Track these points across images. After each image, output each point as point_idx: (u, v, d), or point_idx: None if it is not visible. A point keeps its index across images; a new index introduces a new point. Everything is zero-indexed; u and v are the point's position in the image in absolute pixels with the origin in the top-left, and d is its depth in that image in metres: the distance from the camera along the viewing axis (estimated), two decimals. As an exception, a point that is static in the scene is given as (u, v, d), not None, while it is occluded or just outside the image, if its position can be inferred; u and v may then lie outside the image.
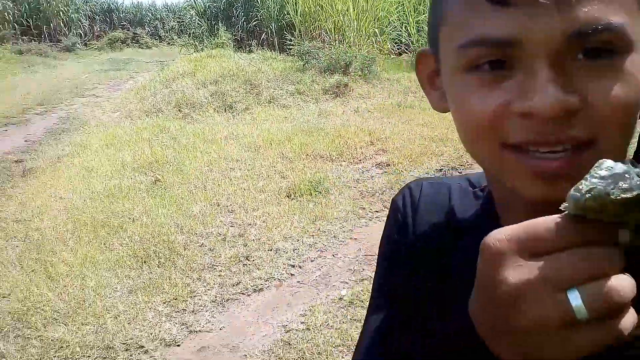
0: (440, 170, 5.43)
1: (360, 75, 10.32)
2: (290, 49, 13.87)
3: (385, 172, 5.54)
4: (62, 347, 2.93)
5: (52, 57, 21.01)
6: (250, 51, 15.38)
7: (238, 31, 17.23)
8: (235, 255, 3.94)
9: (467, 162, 5.59)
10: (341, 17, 12.50)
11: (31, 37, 23.90)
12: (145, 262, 3.84)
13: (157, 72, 14.24)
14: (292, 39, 13.24)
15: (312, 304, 3.29)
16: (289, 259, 3.91)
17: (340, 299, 3.29)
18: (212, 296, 3.42)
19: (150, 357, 2.83)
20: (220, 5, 17.87)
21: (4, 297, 3.51)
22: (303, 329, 3.01)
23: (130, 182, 5.48)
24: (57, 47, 23.55)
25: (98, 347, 2.90)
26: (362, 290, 3.32)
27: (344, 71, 10.28)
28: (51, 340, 2.99)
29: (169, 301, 3.34)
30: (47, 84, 13.90)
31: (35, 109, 10.85)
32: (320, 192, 5.10)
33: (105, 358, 2.82)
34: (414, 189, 0.67)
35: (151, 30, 31.20)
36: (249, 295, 3.47)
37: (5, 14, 23.05)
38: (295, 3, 13.91)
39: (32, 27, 24.64)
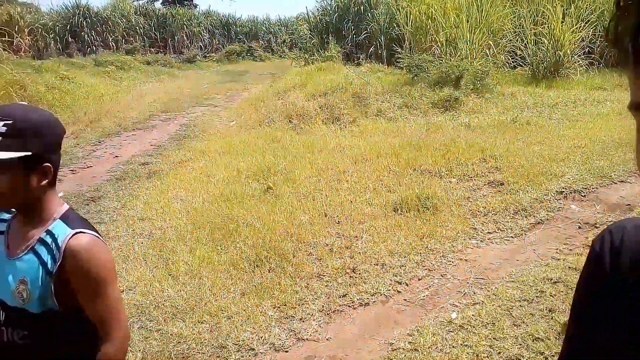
0: (561, 192, 5.08)
1: (472, 89, 10.02)
2: (399, 62, 13.84)
3: (499, 191, 5.30)
4: (179, 342, 3.12)
5: (176, 67, 22.78)
6: (358, 64, 15.55)
7: (347, 44, 17.50)
8: (342, 266, 3.97)
9: (591, 185, 5.19)
10: (454, 30, 12.22)
11: (158, 49, 26.14)
12: (257, 266, 3.99)
13: (269, 84, 14.89)
14: (401, 51, 13.16)
15: (419, 324, 3.22)
16: (396, 275, 3.86)
17: (450, 322, 3.19)
18: (320, 306, 3.47)
19: (260, 360, 2.94)
20: (331, 19, 18.26)
21: (130, 289, 3.82)
22: (410, 349, 2.95)
23: (244, 188, 5.75)
24: (180, 59, 25.49)
25: (212, 345, 3.06)
26: (474, 315, 3.19)
27: (455, 84, 10.03)
28: (170, 334, 3.20)
29: (279, 306, 3.44)
30: (170, 93, 15.07)
31: (160, 116, 11.80)
32: (428, 209, 4.99)
33: (218, 357, 2.96)
34: (614, 233, 0.62)
35: (264, 44, 32.76)
36: (355, 308, 3.48)
37: (137, 27, 25.41)
38: (407, 16, 13.84)
39: (159, 39, 26.94)
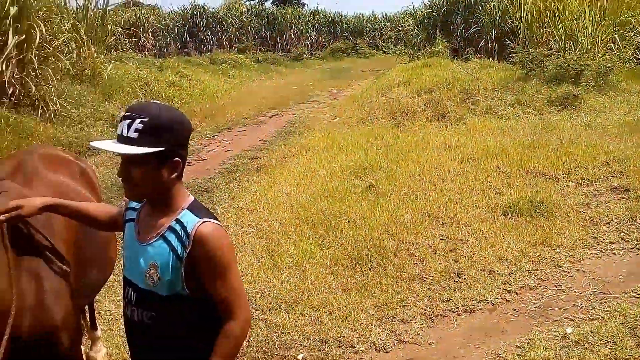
0: (701, 202, 4.52)
1: (593, 86, 9.23)
2: (511, 56, 13.10)
3: (624, 198, 4.84)
4: (282, 332, 3.21)
5: (283, 65, 23.49)
6: (467, 59, 14.97)
7: (455, 39, 16.91)
8: (445, 270, 3.85)
9: None
10: (574, 22, 11.32)
11: (267, 48, 27.09)
12: (358, 263, 3.99)
13: (373, 81, 14.84)
14: (515, 45, 12.46)
15: (529, 336, 3.02)
16: (504, 283, 3.67)
17: (565, 336, 2.96)
18: (422, 308, 3.39)
19: (360, 358, 2.93)
20: (439, 14, 17.75)
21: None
22: (519, 362, 2.79)
23: (346, 185, 5.77)
24: (287, 57, 26.25)
25: (314, 339, 3.11)
26: (592, 332, 2.94)
27: (574, 81, 9.30)
28: (274, 324, 3.30)
29: (380, 306, 3.42)
30: (278, 90, 15.58)
31: (268, 112, 12.23)
32: (542, 214, 4.68)
33: (319, 351, 3.00)
34: None
35: (369, 40, 32.69)
36: (459, 314, 3.36)
37: (249, 27, 26.51)
38: (521, 8, 13.07)
39: (268, 38, 27.90)
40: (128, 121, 1.40)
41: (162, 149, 1.40)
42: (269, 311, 3.46)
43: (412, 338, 3.09)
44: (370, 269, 3.91)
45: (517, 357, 2.83)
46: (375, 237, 4.36)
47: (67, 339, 1.80)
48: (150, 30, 22.48)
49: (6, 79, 7.87)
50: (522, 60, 10.85)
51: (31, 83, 8.28)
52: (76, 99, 9.41)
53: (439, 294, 3.56)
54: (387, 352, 2.98)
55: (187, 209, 1.49)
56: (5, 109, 7.77)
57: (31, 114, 8.21)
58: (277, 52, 26.99)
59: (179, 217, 1.48)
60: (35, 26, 8.17)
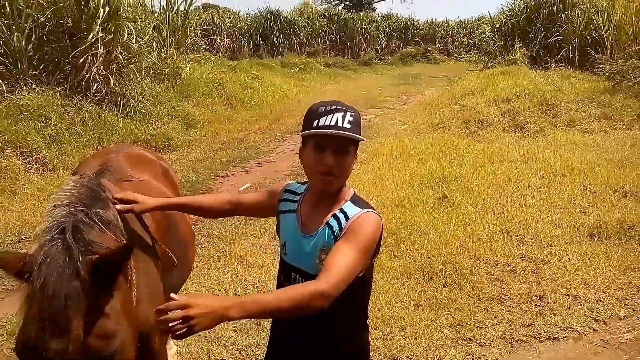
0: None
1: (691, 101, 8.54)
2: (595, 67, 12.39)
3: None
4: (353, 344, 3.11)
5: (352, 70, 23.42)
6: (546, 68, 14.32)
7: (534, 47, 16.19)
8: (526, 292, 3.63)
9: None
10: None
11: (337, 52, 27.15)
12: (431, 278, 3.84)
13: (444, 88, 14.50)
14: (601, 56, 11.76)
15: (622, 372, 2.78)
16: (591, 311, 3.41)
17: (663, 376, 2.70)
18: (501, 332, 3.20)
19: (435, 380, 2.80)
20: (518, 20, 17.08)
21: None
22: (611, 401, 2.56)
23: (418, 195, 5.61)
24: (356, 61, 26.17)
25: (385, 354, 3.00)
26: (697, 374, 2.66)
27: (669, 95, 8.65)
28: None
29: (455, 326, 3.26)
30: (346, 95, 15.52)
31: (337, 116, 12.19)
32: (633, 238, 4.35)
33: (391, 368, 2.90)
34: None
35: (441, 46, 32.05)
36: (541, 341, 3.14)
37: (320, 31, 26.69)
38: (609, 17, 12.33)
39: (338, 42, 27.96)
40: (341, 113, 1.52)
41: (364, 139, 1.57)
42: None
43: (490, 363, 2.92)
44: (444, 286, 3.75)
45: (609, 396, 2.60)
46: (450, 252, 4.19)
47: (159, 336, 1.82)
48: (225, 33, 23.13)
49: (92, 76, 8.28)
50: (609, 72, 10.23)
51: (115, 80, 8.67)
52: (155, 97, 9.77)
53: (520, 317, 3.35)
54: (463, 376, 2.83)
55: (350, 200, 1.60)
56: (89, 103, 8.19)
57: (112, 110, 8.60)
58: (347, 56, 26.98)
59: (342, 207, 1.58)
60: (123, 26, 8.56)
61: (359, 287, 1.59)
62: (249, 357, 2.99)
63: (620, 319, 3.34)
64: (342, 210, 1.57)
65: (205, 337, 3.16)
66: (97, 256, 1.37)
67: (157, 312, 1.23)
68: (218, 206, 1.88)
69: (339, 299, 1.47)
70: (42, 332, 1.24)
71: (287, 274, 1.67)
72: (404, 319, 3.33)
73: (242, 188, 6.46)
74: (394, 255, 4.27)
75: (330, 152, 1.53)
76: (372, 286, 3.70)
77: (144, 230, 1.83)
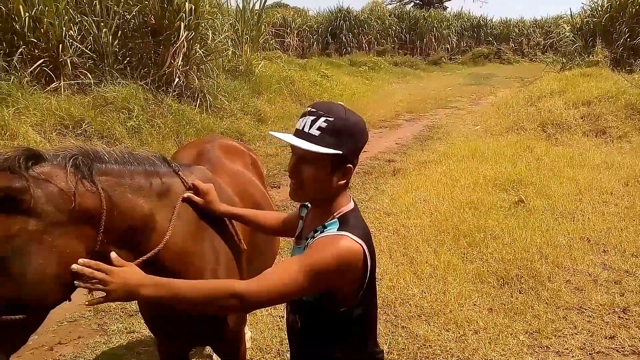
0: None
1: None
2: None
3: None
4: (424, 344, 3.09)
5: (421, 69, 23.11)
6: (630, 71, 13.50)
7: (618, 49, 15.29)
8: (609, 303, 3.46)
9: None
10: None
11: (406, 51, 26.84)
12: (506, 283, 3.74)
13: (519, 89, 13.99)
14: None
15: None
16: (682, 327, 3.20)
17: None
18: (580, 342, 3.07)
19: (510, 386, 2.73)
20: (600, 20, 16.19)
21: (377, 280, 3.95)
22: None
23: (492, 198, 5.47)
24: (425, 61, 25.77)
25: (458, 356, 2.96)
26: None
27: None
28: (415, 335, 3.19)
29: (532, 333, 3.16)
30: (415, 94, 15.33)
31: (405, 116, 12.09)
32: None
33: (465, 370, 2.85)
34: None
35: (515, 46, 30.95)
36: (625, 354, 2.99)
37: (390, 30, 26.50)
38: None
39: (407, 41, 27.63)
40: (312, 117, 1.34)
41: (341, 152, 1.34)
42: (409, 320, 3.36)
43: (570, 373, 2.82)
44: (520, 292, 3.64)
45: None
46: (526, 258, 4.06)
47: (237, 319, 1.89)
48: (295, 32, 23.45)
49: (173, 71, 8.66)
50: None
51: (194, 76, 9.03)
52: (229, 93, 10.08)
53: (601, 329, 3.20)
54: (540, 384, 2.75)
55: (338, 218, 1.42)
56: (169, 97, 8.57)
57: (190, 104, 8.96)
58: (416, 55, 26.63)
59: (326, 222, 1.42)
60: (204, 23, 8.89)
61: (354, 326, 1.46)
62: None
63: None
64: (324, 226, 1.41)
65: (278, 325, 3.24)
66: None
67: (81, 262, 1.30)
68: (271, 224, 1.82)
69: (337, 346, 1.45)
70: None
71: None
72: (477, 322, 3.27)
73: (311, 184, 6.54)
74: (466, 258, 4.20)
75: (294, 156, 1.41)
76: (444, 287, 3.68)
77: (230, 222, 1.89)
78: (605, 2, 16.50)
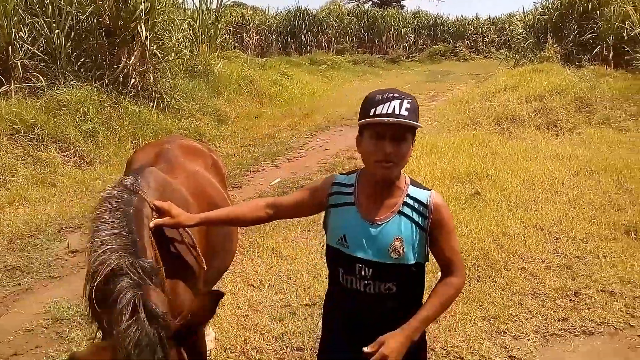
0: None
1: None
2: (631, 64, 12.10)
3: None
4: (387, 334, 3.15)
5: (380, 67, 23.34)
6: (579, 66, 14.05)
7: (568, 45, 15.88)
8: (561, 287, 3.61)
9: None
10: None
11: (365, 49, 27.08)
12: (465, 273, 3.84)
13: (474, 85, 14.36)
14: (638, 53, 11.49)
15: (661, 368, 2.76)
16: (628, 307, 3.37)
17: None
18: (535, 326, 3.20)
19: (469, 371, 2.82)
20: (551, 18, 16.78)
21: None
22: (650, 396, 2.54)
23: (449, 191, 5.60)
24: (384, 59, 26.05)
25: (419, 345, 3.03)
26: None
27: None
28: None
29: (489, 319, 3.27)
30: (375, 92, 15.48)
31: (365, 113, 12.20)
32: (672, 236, 4.26)
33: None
34: None
35: (470, 44, 31.68)
36: (576, 335, 3.13)
37: (348, 28, 26.68)
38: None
39: (366, 40, 27.89)
40: (399, 101, 1.53)
41: (422, 126, 1.59)
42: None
43: (525, 355, 2.93)
44: (477, 280, 3.76)
45: (648, 390, 2.58)
46: (483, 248, 4.19)
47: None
48: (254, 31, 23.32)
49: (128, 72, 8.50)
50: (647, 69, 10.00)
51: (150, 77, 8.88)
52: (188, 94, 9.96)
53: (554, 312, 3.34)
54: (497, 368, 2.85)
55: (410, 184, 1.66)
56: (125, 99, 8.40)
57: (147, 105, 8.81)
58: (375, 54, 26.89)
59: (408, 192, 1.63)
60: (160, 23, 8.76)
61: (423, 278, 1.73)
62: (284, 345, 3.06)
63: (659, 316, 3.29)
64: (410, 197, 1.62)
65: (242, 325, 3.24)
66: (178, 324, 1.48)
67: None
68: (252, 216, 1.82)
69: (413, 283, 1.68)
70: None
71: (351, 267, 1.65)
72: (437, 311, 3.35)
73: (273, 183, 6.55)
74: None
75: (388, 140, 1.54)
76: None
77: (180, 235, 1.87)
78: (556, 0, 17.12)
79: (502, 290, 3.60)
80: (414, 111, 1.54)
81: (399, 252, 1.59)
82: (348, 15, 27.34)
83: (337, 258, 1.69)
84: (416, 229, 1.60)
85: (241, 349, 3.01)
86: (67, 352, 3.04)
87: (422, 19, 31.33)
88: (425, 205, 1.60)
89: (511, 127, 8.73)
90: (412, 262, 1.61)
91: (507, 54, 19.02)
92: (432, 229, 1.61)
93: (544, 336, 3.12)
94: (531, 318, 3.28)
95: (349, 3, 36.43)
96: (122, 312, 1.41)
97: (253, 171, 7.21)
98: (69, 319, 3.38)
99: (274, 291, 3.68)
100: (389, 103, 1.51)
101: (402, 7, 38.50)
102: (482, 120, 9.37)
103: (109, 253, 1.53)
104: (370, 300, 1.64)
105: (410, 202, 1.61)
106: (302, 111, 11.66)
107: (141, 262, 1.53)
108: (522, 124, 8.72)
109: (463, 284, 1.67)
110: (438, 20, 31.94)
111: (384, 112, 1.51)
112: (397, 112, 1.51)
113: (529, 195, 5.36)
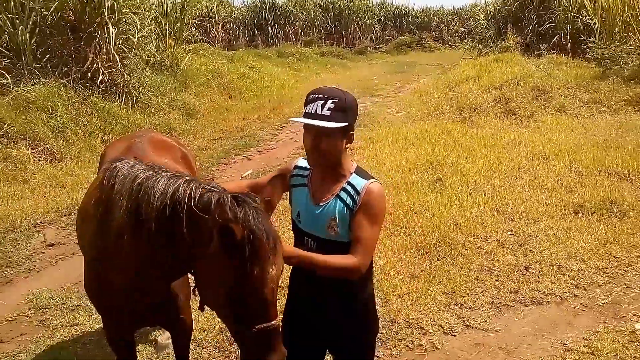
0: None
1: (676, 86, 8.82)
2: (586, 53, 12.63)
3: None
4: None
5: (348, 59, 23.56)
6: (538, 55, 14.56)
7: (527, 34, 16.40)
8: (514, 263, 3.93)
9: None
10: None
11: (332, 41, 27.25)
12: (426, 252, 4.14)
13: (439, 76, 14.72)
14: (592, 42, 12.01)
15: (597, 329, 3.09)
16: (573, 279, 3.72)
17: (633, 332, 3.01)
18: (489, 298, 3.50)
19: (429, 339, 3.09)
20: (511, 8, 17.29)
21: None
22: (586, 352, 2.87)
23: (413, 177, 5.89)
24: (351, 50, 26.29)
25: (384, 319, 3.28)
26: (663, 329, 2.97)
27: (656, 80, 8.92)
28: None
29: (448, 293, 3.56)
30: (343, 83, 15.70)
31: (333, 105, 12.40)
32: (614, 214, 4.65)
33: (390, 330, 3.19)
34: None
35: (436, 34, 32.20)
36: (526, 305, 3.45)
37: (315, 20, 26.79)
38: (598, 3, 12.55)
39: (333, 32, 28.06)
40: (322, 102, 1.71)
41: (347, 124, 1.74)
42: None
43: (480, 324, 3.22)
44: (438, 259, 4.05)
45: (583, 348, 2.90)
46: (443, 229, 4.48)
47: (185, 298, 2.13)
48: (220, 23, 23.22)
49: (96, 67, 8.49)
50: (599, 58, 10.50)
51: (118, 72, 8.89)
52: (156, 88, 9.98)
53: (507, 285, 3.66)
54: (454, 335, 3.13)
55: (355, 173, 1.84)
56: (93, 95, 8.40)
57: (116, 101, 8.82)
58: (342, 45, 27.08)
59: (349, 179, 1.82)
60: (126, 18, 8.75)
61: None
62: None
63: (599, 286, 3.64)
64: (349, 183, 1.80)
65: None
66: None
67: None
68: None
69: None
70: None
71: (301, 239, 1.90)
72: (400, 287, 3.62)
73: (245, 174, 6.72)
74: (391, 233, 4.56)
75: (311, 134, 1.76)
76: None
77: None
78: (515, -9, 17.60)
79: (460, 267, 3.90)
80: (340, 110, 1.71)
81: (334, 230, 1.79)
82: (315, 6, 27.40)
83: (294, 230, 1.97)
84: (348, 211, 1.78)
85: (219, 328, 3.21)
86: (52, 339, 3.20)
87: (388, 10, 31.65)
88: (358, 192, 1.78)
89: (472, 116, 9.09)
90: (347, 240, 1.78)
91: (471, 44, 19.46)
92: (357, 211, 1.77)
93: (497, 307, 3.42)
94: (486, 291, 3.59)
95: (316, -6, 36.45)
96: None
97: (224, 164, 7.36)
98: (52, 307, 3.52)
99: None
100: (313, 104, 1.72)
101: (369, -2, 38.76)
102: (445, 110, 9.72)
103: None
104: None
105: (348, 188, 1.79)
106: (271, 104, 11.80)
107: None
108: (483, 113, 9.09)
109: (358, 269, 1.73)
110: (404, 11, 32.32)
111: (308, 111, 1.73)
112: (318, 112, 1.70)
113: (487, 180, 5.69)
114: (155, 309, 2.02)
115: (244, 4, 26.06)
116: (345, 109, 1.73)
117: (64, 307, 3.54)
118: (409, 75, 17.78)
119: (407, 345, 3.05)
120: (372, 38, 29.31)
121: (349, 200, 1.78)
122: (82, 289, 3.74)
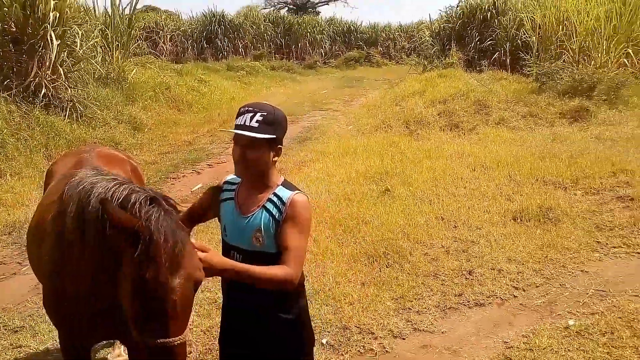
0: (702, 211, 4.75)
1: (605, 100, 9.47)
2: (525, 69, 13.35)
3: (628, 207, 5.08)
4: (312, 320, 3.47)
5: (298, 73, 23.79)
6: (480, 71, 15.26)
7: (470, 51, 17.16)
8: (458, 268, 4.12)
9: None
10: (588, 37, 11.54)
11: (282, 55, 27.47)
12: (375, 260, 4.26)
13: (386, 90, 15.12)
14: (529, 59, 12.71)
15: (535, 327, 3.29)
16: (513, 281, 3.93)
17: (567, 328, 3.22)
18: (435, 302, 3.65)
19: (380, 344, 3.20)
20: (454, 26, 18.06)
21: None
22: (525, 349, 3.04)
23: (363, 189, 6.05)
24: (301, 65, 26.57)
25: (336, 325, 3.37)
26: (592, 324, 3.20)
27: (587, 95, 9.55)
28: (299, 312, 3.57)
29: (397, 299, 3.68)
30: (292, 98, 15.88)
31: (284, 118, 12.51)
32: (550, 220, 4.94)
33: (342, 336, 3.27)
34: None
35: (383, 50, 33.04)
36: (470, 307, 3.62)
37: (265, 34, 26.94)
38: (535, 22, 13.32)
39: (283, 46, 28.31)
40: (251, 114, 1.78)
41: (274, 136, 1.80)
42: (293, 301, 3.72)
43: (427, 327, 3.36)
44: (387, 266, 4.18)
45: (523, 345, 3.08)
46: (392, 238, 4.63)
47: None
48: (169, 36, 22.98)
49: (38, 81, 8.25)
50: (536, 73, 11.12)
51: (62, 86, 8.66)
52: (101, 102, 9.76)
53: (452, 289, 3.82)
54: (403, 339, 3.25)
55: (281, 185, 1.88)
56: (36, 109, 8.14)
57: (59, 115, 8.57)
58: (292, 59, 27.35)
59: (275, 191, 1.86)
60: (70, 31, 8.55)
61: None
62: (213, 337, 3.28)
63: (537, 287, 3.86)
64: (275, 195, 1.84)
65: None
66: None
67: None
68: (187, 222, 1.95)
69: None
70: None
71: (227, 253, 1.90)
72: (352, 295, 3.72)
73: (194, 188, 6.69)
74: (342, 243, 4.66)
75: (239, 146, 1.80)
76: (323, 270, 4.09)
77: None
78: (458, 9, 18.43)
79: (408, 273, 4.04)
80: (268, 123, 1.77)
81: (259, 240, 1.82)
82: (265, 21, 27.60)
83: (222, 246, 1.97)
84: (273, 222, 1.81)
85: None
86: (-5, 359, 3.09)
87: (337, 25, 32.26)
88: (283, 202, 1.82)
89: (418, 129, 9.40)
90: (274, 251, 1.81)
91: (417, 60, 20.15)
92: (283, 221, 1.81)
93: (443, 310, 3.58)
94: (432, 295, 3.74)
95: (266, 9, 36.78)
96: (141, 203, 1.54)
97: (173, 178, 7.28)
98: (-6, 328, 3.39)
99: (201, 290, 3.88)
100: (243, 116, 1.79)
101: (318, 13, 39.46)
102: (392, 123, 10.00)
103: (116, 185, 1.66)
104: (242, 285, 1.84)
105: (274, 198, 1.84)
106: (221, 117, 11.74)
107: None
108: (428, 126, 9.43)
109: (291, 279, 1.75)
110: (352, 27, 33.03)
111: (237, 123, 1.80)
112: (247, 123, 1.76)
113: (432, 190, 5.91)
114: (110, 317, 2.00)
115: (193, 17, 25.92)
116: (274, 122, 1.79)
117: (5, 329, 3.42)
118: (357, 90, 18.15)
119: (358, 350, 3.14)
120: (321, 53, 29.75)
121: (274, 211, 1.82)
122: (25, 310, 3.67)
